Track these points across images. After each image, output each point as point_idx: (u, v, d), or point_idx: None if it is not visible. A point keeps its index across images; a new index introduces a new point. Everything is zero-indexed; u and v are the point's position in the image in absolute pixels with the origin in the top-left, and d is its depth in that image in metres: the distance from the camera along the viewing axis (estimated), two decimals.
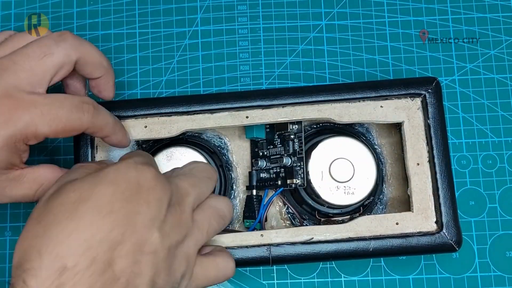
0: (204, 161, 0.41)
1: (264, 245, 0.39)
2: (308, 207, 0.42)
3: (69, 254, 0.27)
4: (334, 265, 0.44)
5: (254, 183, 0.43)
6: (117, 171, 0.30)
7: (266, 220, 0.43)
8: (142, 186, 0.30)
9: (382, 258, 0.44)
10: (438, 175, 0.40)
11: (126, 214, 0.29)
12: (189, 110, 0.41)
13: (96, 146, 0.41)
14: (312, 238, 0.39)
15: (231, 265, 0.36)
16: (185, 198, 0.33)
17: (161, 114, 0.41)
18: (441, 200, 0.39)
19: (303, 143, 0.41)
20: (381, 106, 0.41)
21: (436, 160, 0.40)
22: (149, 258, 0.29)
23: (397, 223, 0.40)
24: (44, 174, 0.35)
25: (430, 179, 0.40)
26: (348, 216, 0.42)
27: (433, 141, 0.40)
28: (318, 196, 0.41)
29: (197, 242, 0.33)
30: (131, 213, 0.29)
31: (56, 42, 0.35)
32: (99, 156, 0.41)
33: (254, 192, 0.43)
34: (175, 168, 0.38)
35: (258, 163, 0.43)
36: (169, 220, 0.31)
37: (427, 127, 0.41)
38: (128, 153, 0.36)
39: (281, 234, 0.40)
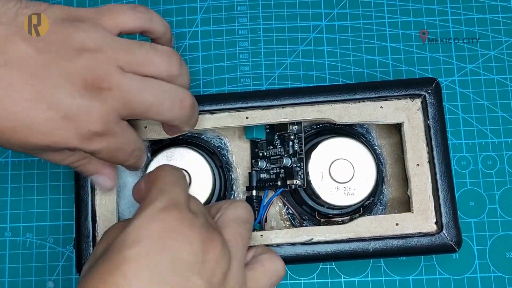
0: (204, 161, 0.41)
1: (264, 245, 0.39)
2: (308, 208, 0.42)
3: None
4: (334, 266, 0.44)
5: (254, 184, 0.43)
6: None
7: (266, 220, 0.43)
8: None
9: (382, 259, 0.44)
10: (438, 176, 0.40)
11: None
12: None
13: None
14: (312, 238, 0.39)
15: (280, 265, 0.34)
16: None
17: None
18: (441, 201, 0.39)
19: (303, 143, 0.41)
20: (381, 107, 0.41)
21: (436, 161, 0.40)
22: None
23: (397, 224, 0.40)
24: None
25: (430, 180, 0.40)
26: (348, 217, 0.42)
27: (433, 142, 0.40)
28: (318, 196, 0.41)
29: (240, 260, 0.31)
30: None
31: (171, 107, 0.35)
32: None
33: (254, 192, 0.43)
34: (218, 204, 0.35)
35: (258, 164, 0.43)
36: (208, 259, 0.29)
37: (427, 128, 0.41)
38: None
39: (281, 234, 0.40)
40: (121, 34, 0.35)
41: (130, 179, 0.43)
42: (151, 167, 0.41)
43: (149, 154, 0.41)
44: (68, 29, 0.32)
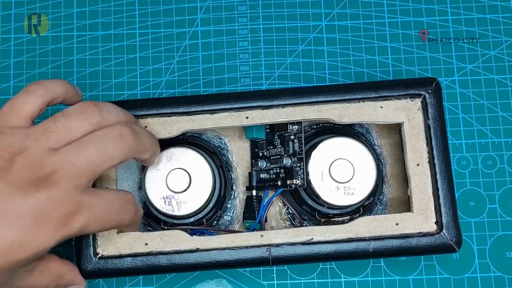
0: (204, 161, 0.41)
1: (264, 245, 0.39)
2: (308, 208, 0.42)
3: None
4: (334, 266, 0.44)
5: (254, 184, 0.43)
6: None
7: (266, 220, 0.43)
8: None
9: (382, 259, 0.44)
10: (438, 176, 0.40)
11: None
12: (189, 110, 0.41)
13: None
14: (312, 238, 0.39)
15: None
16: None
17: (161, 115, 0.41)
18: (441, 201, 0.39)
19: (303, 143, 0.41)
20: (381, 107, 0.41)
21: (436, 160, 0.40)
22: None
23: (397, 224, 0.40)
24: (53, 267, 0.36)
25: (430, 180, 0.40)
26: (348, 217, 0.42)
27: (433, 142, 0.40)
28: (318, 196, 0.41)
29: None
30: None
31: (116, 146, 0.34)
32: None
33: (254, 192, 0.43)
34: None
35: (258, 164, 0.43)
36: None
37: (427, 128, 0.41)
38: None
39: (281, 234, 0.40)
40: (34, 120, 0.36)
41: (126, 185, 0.43)
42: (151, 167, 0.41)
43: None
44: None
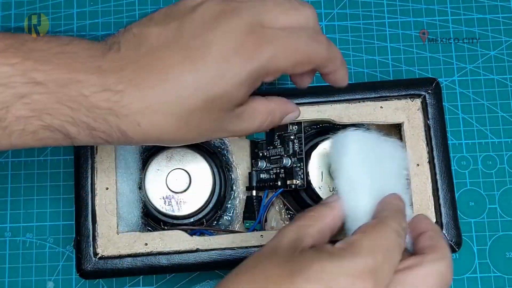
0: (204, 161, 0.41)
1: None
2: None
3: None
4: None
5: (254, 184, 0.43)
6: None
7: (266, 220, 0.43)
8: None
9: None
10: (438, 176, 0.40)
11: None
12: None
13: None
14: None
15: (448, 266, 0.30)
16: None
17: None
18: (441, 201, 0.39)
19: (303, 143, 0.41)
20: (381, 107, 0.41)
21: (436, 161, 0.40)
22: None
23: None
24: (260, 108, 0.35)
25: (430, 180, 0.40)
26: None
27: (433, 142, 0.40)
28: (318, 196, 0.41)
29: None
30: None
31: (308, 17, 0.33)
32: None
33: (254, 193, 0.43)
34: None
35: (258, 164, 0.43)
36: None
37: (427, 128, 0.41)
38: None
39: None
40: None
41: (126, 185, 0.43)
42: (151, 168, 0.41)
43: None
44: (180, 3, 0.33)
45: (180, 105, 0.31)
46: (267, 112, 0.35)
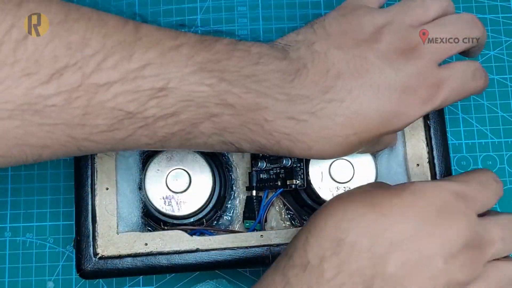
0: (204, 161, 0.41)
1: (264, 245, 0.39)
2: (308, 208, 0.42)
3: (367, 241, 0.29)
4: None
5: (254, 184, 0.43)
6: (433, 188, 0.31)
7: (266, 221, 0.43)
8: (447, 211, 0.30)
9: None
10: (438, 176, 0.40)
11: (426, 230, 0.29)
12: None
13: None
14: None
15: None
16: (487, 248, 0.31)
17: None
18: None
19: None
20: None
21: (436, 161, 0.40)
22: (426, 282, 0.29)
23: None
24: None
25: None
26: None
27: (433, 142, 0.40)
28: (318, 196, 0.41)
29: None
30: (427, 232, 0.29)
31: (469, 27, 0.35)
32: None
33: (254, 193, 0.43)
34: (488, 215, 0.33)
35: (258, 164, 0.43)
36: (460, 258, 0.29)
37: (427, 128, 0.41)
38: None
39: (281, 235, 0.39)
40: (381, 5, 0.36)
41: (126, 185, 0.43)
42: (151, 168, 0.41)
43: None
44: (355, 19, 0.34)
45: (356, 138, 0.32)
46: (389, 138, 0.39)
